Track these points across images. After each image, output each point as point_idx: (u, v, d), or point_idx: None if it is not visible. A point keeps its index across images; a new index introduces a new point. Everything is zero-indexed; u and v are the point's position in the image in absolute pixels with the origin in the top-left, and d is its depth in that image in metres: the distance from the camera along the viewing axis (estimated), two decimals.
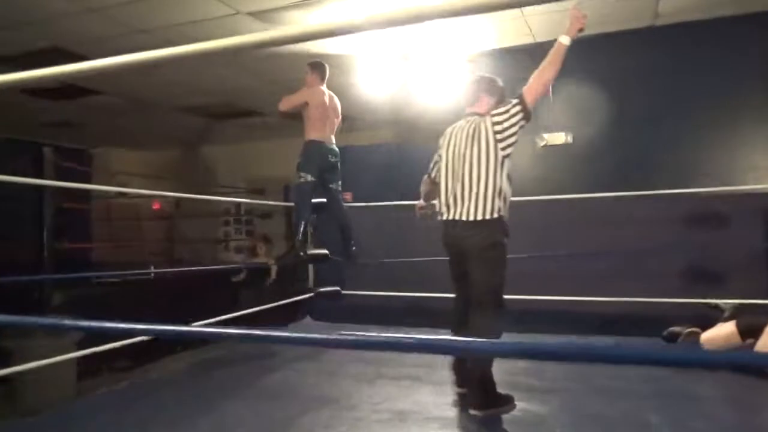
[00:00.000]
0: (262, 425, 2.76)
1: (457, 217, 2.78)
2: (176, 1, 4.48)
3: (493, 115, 2.76)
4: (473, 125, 2.81)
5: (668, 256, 4.22)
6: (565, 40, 2.69)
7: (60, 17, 4.76)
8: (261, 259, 7.67)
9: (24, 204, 4.80)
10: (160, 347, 4.31)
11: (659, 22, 4.99)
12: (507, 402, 2.75)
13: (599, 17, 4.93)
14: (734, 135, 4.77)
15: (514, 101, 2.73)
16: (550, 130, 5.27)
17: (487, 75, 3.12)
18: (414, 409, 2.89)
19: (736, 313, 3.70)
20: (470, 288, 2.77)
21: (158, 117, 8.37)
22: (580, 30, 2.68)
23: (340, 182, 4.44)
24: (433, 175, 3.11)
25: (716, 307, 3.84)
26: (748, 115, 4.74)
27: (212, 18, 4.74)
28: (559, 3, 4.51)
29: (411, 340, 1.09)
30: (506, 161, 2.78)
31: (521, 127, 2.73)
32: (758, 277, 4.20)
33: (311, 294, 4.68)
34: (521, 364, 3.47)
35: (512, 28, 5.20)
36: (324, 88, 4.45)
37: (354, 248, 4.39)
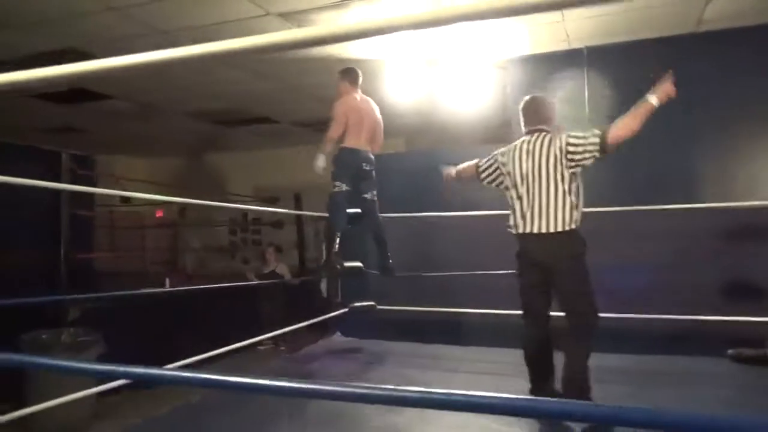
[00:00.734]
0: None
1: (543, 230, 2.81)
2: (201, 0, 4.26)
3: (570, 136, 2.84)
4: (546, 141, 2.88)
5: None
6: (654, 101, 2.74)
7: (76, 17, 4.52)
8: (270, 268, 7.46)
9: (39, 212, 4.55)
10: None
11: (702, 29, 4.83)
12: None
13: (641, 22, 4.78)
14: None
15: (597, 132, 2.78)
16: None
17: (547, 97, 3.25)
18: None
19: None
20: (563, 300, 2.84)
21: (167, 123, 8.12)
22: (669, 97, 2.76)
23: (375, 192, 4.22)
24: (481, 172, 3.18)
25: None
26: None
27: (239, 19, 4.53)
28: (607, 7, 4.33)
29: (410, 394, 0.86)
30: (578, 175, 2.89)
31: (593, 159, 2.80)
32: None
33: (345, 309, 4.43)
34: None
35: (547, 34, 5.02)
36: (358, 93, 4.25)
37: (390, 261, 4.17)
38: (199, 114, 7.68)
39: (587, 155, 2.77)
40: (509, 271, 4.13)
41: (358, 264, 4.22)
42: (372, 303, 4.40)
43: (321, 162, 4.05)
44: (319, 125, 8.20)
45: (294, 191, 8.42)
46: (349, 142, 4.09)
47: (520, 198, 2.88)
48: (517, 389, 3.12)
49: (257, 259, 9.93)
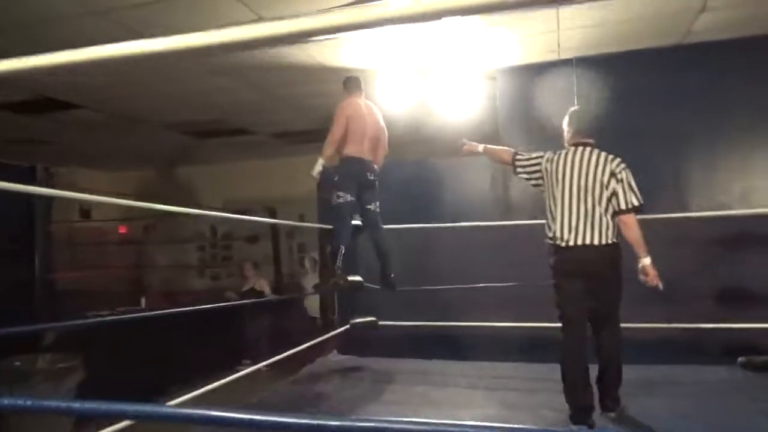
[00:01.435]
0: None
1: (595, 242, 2.89)
2: (191, 3, 4.05)
3: (623, 170, 2.96)
4: (600, 158, 2.98)
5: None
6: (645, 261, 2.93)
7: (56, 21, 4.24)
8: (250, 285, 7.18)
9: (12, 228, 4.21)
10: None
11: (690, 40, 4.91)
12: None
13: (631, 33, 4.82)
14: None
15: (634, 202, 2.92)
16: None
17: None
18: None
19: None
20: (600, 305, 2.96)
21: (137, 133, 7.76)
22: (647, 280, 2.94)
23: (377, 203, 4.08)
24: (518, 165, 3.21)
25: None
26: None
27: (236, 23, 4.33)
28: (600, 17, 4.33)
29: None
30: None
31: (614, 208, 2.93)
32: None
33: (346, 326, 4.25)
34: None
35: (539, 44, 5.02)
36: (361, 99, 4.12)
37: (392, 275, 4.03)
38: (173, 125, 7.37)
39: (618, 204, 2.91)
40: (509, 284, 4.08)
41: (358, 278, 4.06)
42: (373, 319, 4.24)
43: (319, 167, 3.88)
44: (297, 136, 8.04)
45: (265, 204, 8.17)
46: (351, 150, 3.94)
47: (569, 208, 2.93)
48: (540, 404, 3.03)
49: (228, 275, 9.61)
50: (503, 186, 5.06)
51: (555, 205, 2.98)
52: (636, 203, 2.89)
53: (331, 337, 4.47)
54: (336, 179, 3.93)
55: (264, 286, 7.04)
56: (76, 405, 1.13)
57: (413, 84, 5.46)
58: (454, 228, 4.63)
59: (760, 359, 3.56)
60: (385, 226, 4.44)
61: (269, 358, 3.72)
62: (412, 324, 4.41)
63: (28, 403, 1.18)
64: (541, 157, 3.12)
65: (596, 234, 2.88)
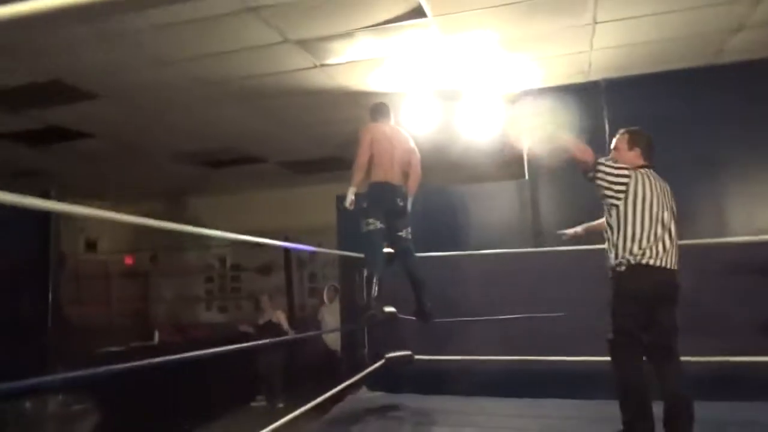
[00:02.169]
0: None
1: (672, 266, 2.85)
2: (209, 27, 3.91)
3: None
4: (663, 182, 2.98)
5: None
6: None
7: (67, 47, 4.10)
8: (266, 317, 6.92)
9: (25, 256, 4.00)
10: None
11: (722, 60, 4.79)
12: None
13: (661, 54, 4.70)
14: None
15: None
16: None
17: None
18: None
19: None
20: (659, 334, 2.85)
21: (146, 164, 7.60)
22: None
23: (409, 229, 3.88)
24: (599, 170, 2.92)
25: None
26: None
27: (257, 46, 4.20)
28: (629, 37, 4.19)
29: None
30: None
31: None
32: None
33: (382, 361, 3.99)
34: None
35: (567, 65, 4.90)
36: (387, 124, 3.96)
37: (429, 305, 3.81)
38: (184, 154, 7.21)
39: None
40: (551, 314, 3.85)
41: (392, 309, 3.83)
42: (409, 353, 3.99)
43: (351, 196, 3.69)
44: (311, 165, 7.87)
45: (279, 235, 7.95)
46: (379, 176, 3.75)
47: (652, 228, 2.85)
48: None
49: (236, 308, 9.34)
50: (533, 212, 4.89)
51: (635, 224, 2.86)
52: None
53: (358, 370, 4.21)
54: (364, 206, 3.73)
55: (281, 318, 6.78)
56: None
57: (436, 108, 5.32)
58: (487, 255, 4.41)
59: None
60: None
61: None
62: (448, 358, 4.17)
63: None
64: (627, 169, 2.93)
65: (674, 257, 2.86)
